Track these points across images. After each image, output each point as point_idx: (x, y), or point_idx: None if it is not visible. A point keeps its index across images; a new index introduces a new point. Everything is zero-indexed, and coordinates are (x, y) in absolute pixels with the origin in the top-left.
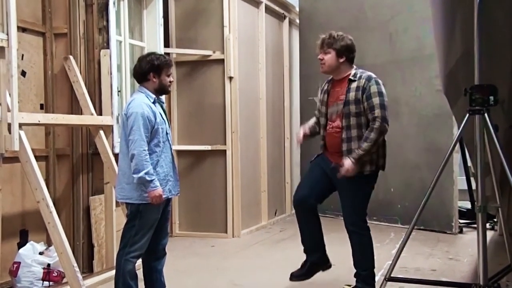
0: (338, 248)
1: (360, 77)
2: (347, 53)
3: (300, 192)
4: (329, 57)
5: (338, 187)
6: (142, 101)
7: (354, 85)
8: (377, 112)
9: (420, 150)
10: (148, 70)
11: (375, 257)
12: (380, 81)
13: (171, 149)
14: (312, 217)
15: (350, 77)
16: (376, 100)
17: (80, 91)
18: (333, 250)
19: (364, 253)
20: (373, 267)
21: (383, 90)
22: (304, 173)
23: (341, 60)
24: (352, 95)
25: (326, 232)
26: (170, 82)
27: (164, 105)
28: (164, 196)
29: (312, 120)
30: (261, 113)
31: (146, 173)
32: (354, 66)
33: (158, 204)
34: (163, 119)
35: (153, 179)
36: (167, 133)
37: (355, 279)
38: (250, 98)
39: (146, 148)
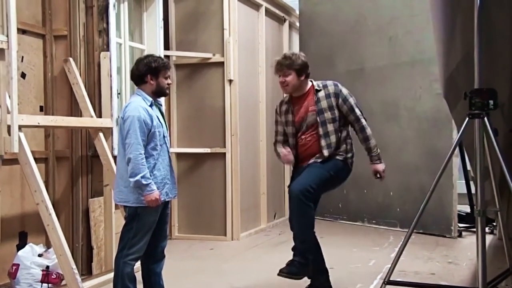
0: (337, 251)
1: (325, 86)
2: (305, 69)
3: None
4: (291, 78)
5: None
6: (139, 105)
7: (321, 94)
8: (356, 111)
9: (419, 153)
10: (145, 72)
11: (373, 261)
12: None
13: (168, 152)
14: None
15: (316, 87)
16: (352, 101)
17: (79, 93)
18: (332, 253)
19: (303, 223)
20: (311, 240)
21: None
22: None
23: (302, 78)
24: (323, 103)
25: (325, 236)
26: (168, 84)
27: (162, 108)
28: (161, 199)
29: (279, 145)
30: (260, 116)
31: (142, 177)
32: (311, 79)
33: (155, 206)
34: (160, 122)
35: (150, 183)
36: (164, 136)
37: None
38: (250, 101)
39: (143, 152)
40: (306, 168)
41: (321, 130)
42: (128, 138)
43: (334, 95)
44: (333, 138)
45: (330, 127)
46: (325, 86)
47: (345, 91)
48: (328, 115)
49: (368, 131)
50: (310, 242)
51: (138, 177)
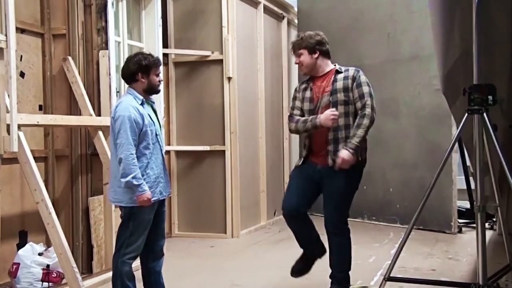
0: None
1: (346, 69)
2: (318, 47)
3: (288, 201)
4: (304, 58)
5: (324, 187)
6: (129, 104)
7: (341, 76)
8: (367, 99)
9: (419, 149)
10: (136, 70)
11: (373, 257)
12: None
13: (161, 150)
14: (303, 222)
15: (337, 68)
16: (366, 89)
17: (78, 92)
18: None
19: (342, 255)
20: (349, 269)
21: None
22: (288, 182)
23: (315, 56)
24: (339, 84)
25: (324, 232)
26: (159, 81)
27: (155, 105)
28: (155, 198)
29: (297, 118)
30: (260, 114)
31: (133, 177)
32: (334, 63)
33: (149, 205)
34: (152, 120)
35: (141, 183)
36: (156, 135)
37: (330, 280)
38: (248, 98)
39: (134, 152)
40: (324, 184)
41: None
42: (119, 138)
43: (351, 78)
44: (341, 121)
45: (341, 109)
46: (346, 70)
47: (363, 78)
48: (341, 96)
49: (366, 121)
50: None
51: (129, 178)
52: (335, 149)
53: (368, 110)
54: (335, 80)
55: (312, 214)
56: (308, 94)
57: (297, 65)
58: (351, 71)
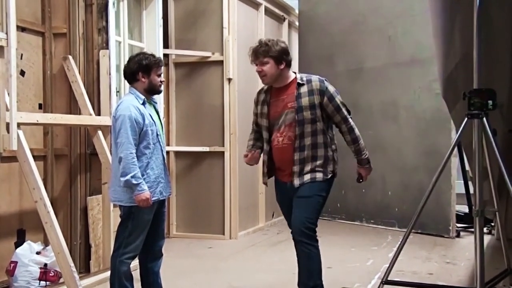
0: (335, 250)
1: (309, 80)
2: (285, 56)
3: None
4: (269, 67)
5: (294, 196)
6: (130, 103)
7: (304, 89)
8: (344, 111)
9: (418, 153)
10: (136, 70)
11: (371, 261)
12: None
13: (162, 150)
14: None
15: (298, 81)
16: (338, 100)
17: (78, 91)
18: (330, 253)
19: (311, 267)
20: (321, 282)
21: None
22: (281, 208)
23: (282, 67)
24: (305, 100)
25: (322, 235)
26: (161, 82)
27: (158, 106)
28: (154, 198)
29: (252, 137)
30: None
31: (132, 176)
32: (293, 71)
33: (147, 206)
34: (153, 120)
35: (140, 183)
36: (157, 135)
37: None
38: (248, 100)
39: (134, 151)
40: (296, 194)
41: (297, 130)
42: (120, 137)
43: (318, 92)
44: (308, 141)
45: (307, 128)
46: (309, 81)
47: (331, 88)
48: (307, 114)
49: (357, 132)
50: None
51: (128, 177)
52: (300, 169)
53: (351, 122)
54: (299, 95)
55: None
56: (265, 109)
57: (258, 73)
58: (315, 83)
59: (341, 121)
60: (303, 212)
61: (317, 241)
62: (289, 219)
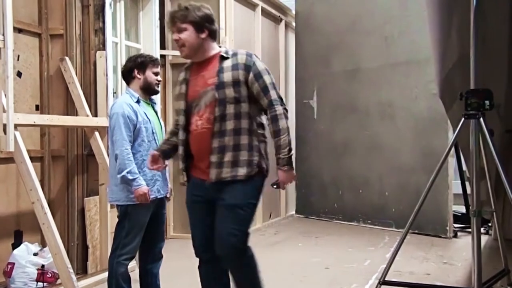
0: (333, 251)
1: (234, 54)
2: (208, 24)
3: (198, 243)
4: (188, 35)
5: (216, 203)
6: (124, 101)
7: (228, 63)
8: (273, 93)
9: (415, 153)
10: (131, 67)
11: (368, 261)
12: None
13: None
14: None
15: (222, 53)
16: (267, 79)
17: (75, 93)
18: (327, 253)
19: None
20: None
21: None
22: (189, 216)
23: (203, 36)
24: (228, 75)
25: (320, 236)
26: (157, 81)
27: (156, 106)
28: (152, 197)
29: (168, 131)
30: None
31: (128, 172)
32: (220, 44)
33: (146, 204)
34: (147, 118)
35: (136, 178)
36: (153, 132)
37: None
38: None
39: (129, 147)
40: (219, 200)
41: (217, 111)
42: (114, 135)
43: (244, 67)
44: (230, 125)
45: (230, 109)
46: (234, 55)
47: (260, 65)
48: (230, 91)
49: (283, 123)
50: None
51: (124, 173)
52: (220, 160)
53: (277, 108)
54: (221, 70)
55: (321, 219)
56: (183, 89)
57: (176, 42)
58: (242, 56)
59: (267, 105)
60: (230, 222)
61: (251, 257)
62: (197, 232)
